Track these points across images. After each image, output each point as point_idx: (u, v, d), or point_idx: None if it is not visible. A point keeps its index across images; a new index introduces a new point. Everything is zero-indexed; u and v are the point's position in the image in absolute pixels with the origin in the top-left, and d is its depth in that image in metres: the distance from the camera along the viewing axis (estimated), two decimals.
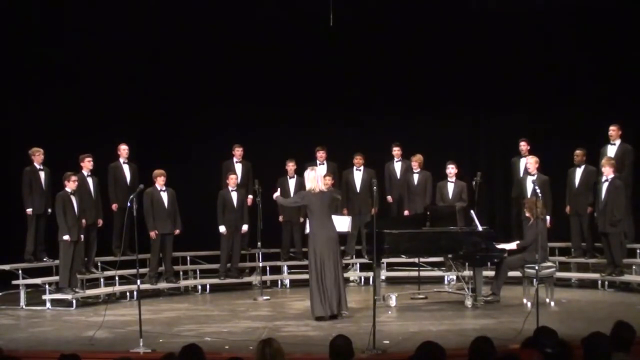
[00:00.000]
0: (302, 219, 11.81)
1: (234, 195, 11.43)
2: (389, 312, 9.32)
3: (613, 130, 10.94)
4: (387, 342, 7.28)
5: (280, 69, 13.05)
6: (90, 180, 10.87)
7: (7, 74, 11.85)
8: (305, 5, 12.09)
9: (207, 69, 13.02)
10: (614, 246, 10.30)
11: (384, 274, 11.17)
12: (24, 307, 10.14)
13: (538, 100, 12.88)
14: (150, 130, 12.86)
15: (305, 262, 11.49)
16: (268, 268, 11.98)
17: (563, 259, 11.47)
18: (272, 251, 12.11)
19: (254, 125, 13.21)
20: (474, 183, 10.72)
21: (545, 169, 11.01)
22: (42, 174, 10.81)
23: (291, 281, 11.89)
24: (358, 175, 12.09)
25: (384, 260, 10.88)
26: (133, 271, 9.13)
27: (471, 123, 13.60)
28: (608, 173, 10.26)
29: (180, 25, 12.69)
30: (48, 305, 10.06)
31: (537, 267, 8.53)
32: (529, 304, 9.10)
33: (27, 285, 10.35)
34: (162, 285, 11.21)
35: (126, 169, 11.58)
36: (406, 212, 11.79)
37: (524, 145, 11.68)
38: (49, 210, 10.70)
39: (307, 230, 10.40)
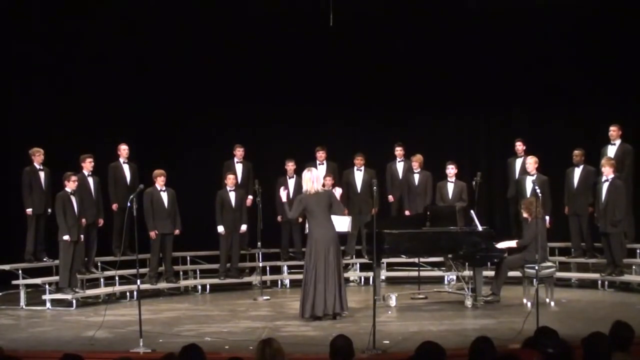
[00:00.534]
0: (300, 219, 11.81)
1: (232, 195, 11.43)
2: (389, 312, 9.32)
3: (613, 130, 10.94)
4: (387, 342, 7.28)
5: (281, 69, 13.04)
6: (90, 180, 10.87)
7: (7, 74, 11.85)
8: (305, 5, 12.09)
9: (208, 68, 13.02)
10: (614, 246, 10.30)
11: (384, 274, 11.17)
12: (24, 307, 10.13)
13: (538, 100, 12.89)
14: (150, 130, 12.85)
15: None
16: (268, 268, 11.98)
17: (563, 259, 11.47)
18: (272, 251, 12.11)
19: (254, 125, 13.22)
20: (474, 183, 10.72)
21: (546, 169, 11.01)
22: (42, 174, 10.81)
23: (291, 281, 11.88)
24: (359, 176, 12.09)
25: (384, 260, 10.88)
26: (133, 271, 9.13)
27: (471, 123, 13.60)
28: (608, 173, 10.26)
29: (180, 25, 12.68)
30: (48, 305, 10.06)
31: (537, 267, 8.53)
32: (529, 304, 9.10)
33: (27, 285, 10.35)
34: (162, 285, 11.21)
35: (126, 169, 11.58)
36: (407, 212, 11.79)
37: (519, 146, 11.68)
38: (49, 210, 10.69)
39: (307, 230, 10.41)
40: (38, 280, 10.31)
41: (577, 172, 11.09)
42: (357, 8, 12.29)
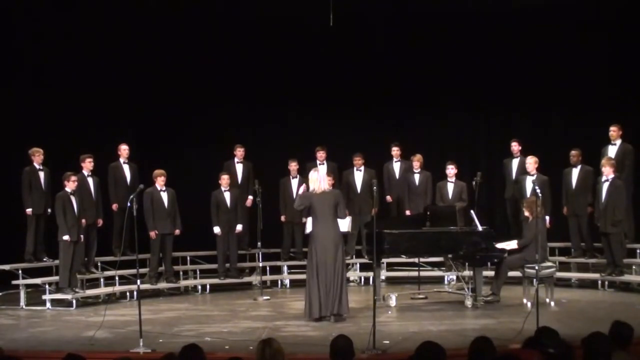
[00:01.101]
0: (304, 219, 11.81)
1: (227, 196, 11.42)
2: (389, 312, 9.32)
3: (613, 130, 10.94)
4: (387, 342, 7.28)
5: (281, 69, 13.05)
6: (90, 180, 10.87)
7: (7, 74, 11.85)
8: (305, 5, 12.09)
9: (208, 68, 13.03)
10: (614, 246, 10.29)
11: (384, 274, 11.18)
12: (24, 307, 10.13)
13: (538, 101, 12.89)
14: (150, 130, 12.86)
15: (305, 262, 11.53)
16: (268, 268, 11.98)
17: (563, 259, 11.47)
18: (272, 251, 12.12)
19: (254, 125, 13.21)
20: (474, 183, 10.72)
21: (545, 170, 11.01)
22: (41, 174, 10.81)
23: (291, 281, 11.89)
24: (358, 176, 12.09)
25: (384, 260, 10.89)
26: (133, 271, 9.13)
27: (471, 123, 13.60)
28: (608, 173, 10.25)
29: (180, 25, 12.68)
30: (48, 305, 10.06)
31: (537, 267, 8.53)
32: (529, 304, 9.10)
33: (27, 285, 10.35)
34: (162, 285, 11.21)
35: (126, 169, 11.58)
36: (407, 212, 11.79)
37: (515, 146, 11.68)
38: (49, 210, 10.69)
39: (307, 230, 10.41)
40: (38, 280, 10.30)
41: (575, 172, 11.09)
42: (357, 8, 12.29)
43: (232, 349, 7.09)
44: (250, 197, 11.99)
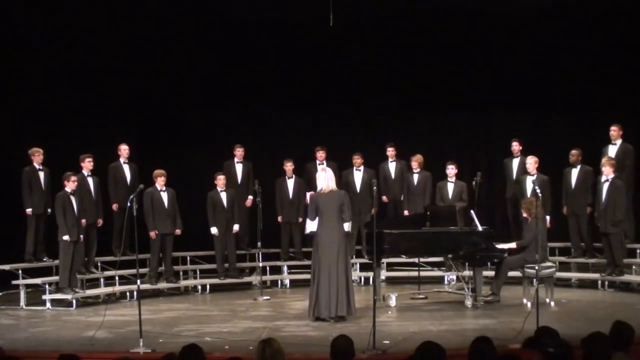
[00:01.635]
0: (300, 219, 11.82)
1: (224, 196, 11.41)
2: (389, 312, 9.32)
3: (614, 130, 10.94)
4: (387, 342, 7.27)
5: (281, 69, 13.04)
6: (90, 180, 10.87)
7: (7, 74, 11.84)
8: (305, 5, 12.09)
9: (208, 68, 13.03)
10: (614, 246, 10.29)
11: (384, 274, 11.18)
12: (24, 307, 10.13)
13: (538, 100, 12.89)
14: (150, 130, 12.85)
15: (305, 262, 11.55)
16: (268, 268, 11.98)
17: (563, 259, 11.47)
18: (272, 251, 12.12)
19: (254, 125, 13.21)
20: (474, 183, 10.72)
21: (546, 169, 11.01)
22: (41, 174, 10.81)
23: (291, 281, 11.89)
24: (358, 176, 12.09)
25: (384, 260, 10.89)
26: (133, 271, 9.13)
27: (471, 123, 13.59)
28: (608, 173, 10.25)
29: (180, 25, 12.67)
30: (48, 305, 10.06)
31: (537, 267, 8.53)
32: (529, 304, 9.10)
33: (27, 285, 10.35)
34: (162, 285, 11.21)
35: (126, 169, 11.58)
36: (406, 212, 11.79)
37: (516, 146, 11.69)
38: (49, 210, 10.69)
39: (307, 230, 10.41)
40: (38, 280, 10.30)
41: (575, 172, 11.09)
42: (357, 8, 12.29)
43: (232, 349, 7.09)
44: (250, 197, 12.00)
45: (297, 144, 12.90)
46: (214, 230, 11.39)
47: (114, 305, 9.92)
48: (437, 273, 11.53)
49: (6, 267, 10.43)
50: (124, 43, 12.49)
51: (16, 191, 10.80)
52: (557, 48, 12.69)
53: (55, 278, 10.31)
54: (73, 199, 10.07)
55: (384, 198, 12.19)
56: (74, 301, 10.01)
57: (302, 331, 8.14)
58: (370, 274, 11.00)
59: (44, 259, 10.82)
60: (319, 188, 8.68)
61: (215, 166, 12.06)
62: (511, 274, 9.79)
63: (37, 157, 10.75)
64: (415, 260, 10.75)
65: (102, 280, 11.09)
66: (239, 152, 12.16)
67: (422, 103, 12.97)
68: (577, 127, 12.49)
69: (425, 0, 12.69)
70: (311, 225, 9.19)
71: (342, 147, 12.56)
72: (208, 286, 11.61)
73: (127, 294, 10.84)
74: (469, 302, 9.39)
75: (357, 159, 12.06)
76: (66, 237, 9.91)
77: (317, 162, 11.93)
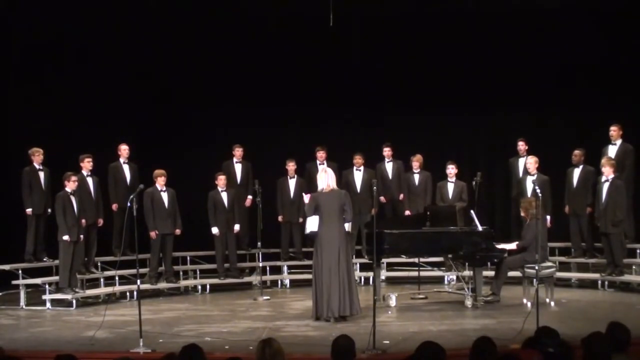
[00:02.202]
0: (301, 219, 11.81)
1: (224, 196, 11.42)
2: (389, 312, 9.32)
3: (614, 130, 10.94)
4: (387, 342, 7.27)
5: (281, 69, 13.04)
6: (90, 180, 10.87)
7: (7, 74, 11.84)
8: (305, 6, 12.09)
9: (207, 68, 13.03)
10: (614, 246, 10.29)
11: (384, 274, 11.18)
12: (24, 307, 10.13)
13: (538, 100, 12.89)
14: (150, 130, 12.85)
15: (305, 262, 11.56)
16: (268, 268, 11.98)
17: (563, 259, 11.47)
18: (272, 251, 12.11)
19: (254, 125, 13.21)
20: (474, 183, 10.71)
21: (546, 169, 11.01)
22: (41, 174, 10.80)
23: (291, 281, 11.88)
24: (358, 176, 12.08)
25: (384, 260, 10.89)
26: (133, 271, 9.13)
27: (471, 123, 13.59)
28: (608, 173, 10.25)
29: (180, 25, 12.68)
30: (48, 305, 10.06)
31: (537, 267, 8.52)
32: (529, 304, 9.10)
33: (27, 285, 10.35)
34: (162, 285, 11.21)
35: (126, 169, 11.58)
36: (407, 213, 11.79)
37: (522, 145, 11.69)
38: (49, 210, 10.69)
39: (307, 230, 10.41)
40: (38, 280, 10.30)
41: (577, 172, 11.10)
42: (357, 8, 12.29)
43: (232, 349, 7.09)
44: (250, 197, 11.99)
45: (297, 144, 12.89)
46: (215, 230, 11.39)
47: (114, 305, 9.92)
48: (437, 273, 11.53)
49: (6, 267, 10.42)
50: (124, 43, 12.49)
51: (16, 191, 10.79)
52: (557, 48, 12.68)
53: (55, 278, 10.31)
54: (73, 199, 10.07)
55: (382, 198, 12.18)
56: (74, 301, 10.01)
57: (302, 331, 8.13)
58: (370, 274, 10.99)
59: (44, 259, 10.82)
60: (320, 188, 8.67)
61: (215, 166, 12.06)
62: (511, 274, 9.79)
63: (37, 157, 10.75)
64: (415, 260, 10.75)
65: (102, 280, 11.09)
66: (237, 152, 12.15)
67: (422, 103, 12.97)
68: (577, 127, 12.49)
69: (425, 1, 12.69)
70: (311, 225, 9.18)
71: (342, 147, 12.56)
72: (208, 286, 11.61)
73: (127, 294, 10.84)
74: (469, 302, 9.39)
75: (358, 159, 12.05)
76: (66, 237, 9.91)
77: (318, 162, 11.92)
